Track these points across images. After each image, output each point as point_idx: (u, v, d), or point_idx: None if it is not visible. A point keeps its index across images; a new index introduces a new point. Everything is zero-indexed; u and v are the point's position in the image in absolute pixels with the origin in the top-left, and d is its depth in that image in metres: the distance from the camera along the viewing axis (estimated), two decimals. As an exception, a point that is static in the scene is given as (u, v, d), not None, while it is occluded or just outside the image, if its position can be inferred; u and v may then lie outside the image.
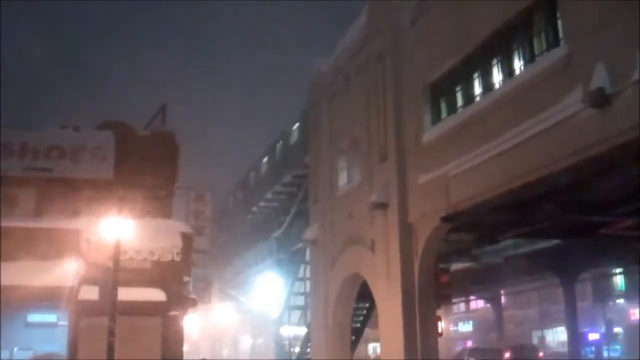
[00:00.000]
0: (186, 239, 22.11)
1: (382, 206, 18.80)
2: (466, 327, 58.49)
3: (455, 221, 16.87)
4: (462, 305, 53.96)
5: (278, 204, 35.91)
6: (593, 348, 41.23)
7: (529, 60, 14.45)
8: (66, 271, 20.59)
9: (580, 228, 18.70)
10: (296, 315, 28.52)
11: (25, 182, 22.94)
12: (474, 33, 15.81)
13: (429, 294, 17.93)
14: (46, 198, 23.27)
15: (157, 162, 24.30)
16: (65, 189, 23.38)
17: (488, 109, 15.37)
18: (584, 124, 12.14)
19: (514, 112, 14.33)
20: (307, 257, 27.58)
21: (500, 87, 15.26)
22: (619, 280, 45.74)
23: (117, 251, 17.17)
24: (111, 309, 16.73)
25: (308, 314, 26.98)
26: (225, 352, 48.83)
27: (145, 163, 24.03)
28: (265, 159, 38.40)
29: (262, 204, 37.21)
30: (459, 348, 47.78)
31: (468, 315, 57.88)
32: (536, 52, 14.34)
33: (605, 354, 41.21)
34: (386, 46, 19.44)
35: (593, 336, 40.90)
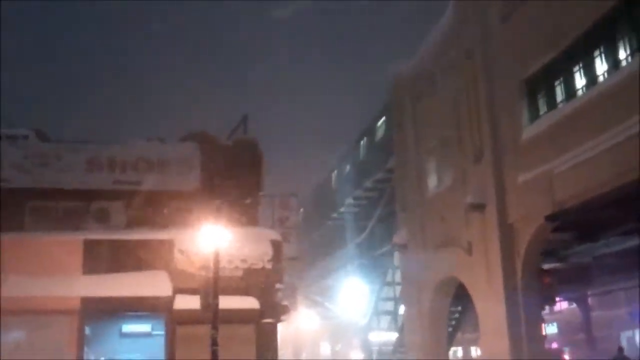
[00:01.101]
0: (276, 246, 22.11)
1: (479, 207, 18.37)
2: (551, 329, 56.74)
3: (560, 220, 16.29)
4: (547, 307, 52.45)
5: (359, 209, 35.63)
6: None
7: (637, 49, 13.82)
8: (161, 281, 20.87)
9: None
10: (385, 320, 28.22)
11: (115, 195, 23.36)
12: (573, 25, 15.32)
13: (533, 295, 17.40)
14: (135, 210, 23.68)
15: (242, 171, 24.47)
16: (154, 200, 23.74)
17: (593, 102, 14.83)
18: None
19: (623, 104, 13.76)
20: (395, 261, 27.27)
21: (606, 79, 14.70)
22: None
23: (217, 260, 17.20)
24: (213, 317, 16.76)
25: (398, 318, 26.65)
26: (303, 356, 48.99)
27: (229, 172, 24.22)
28: (345, 164, 38.23)
29: (342, 209, 37.03)
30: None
31: (553, 316, 56.25)
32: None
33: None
34: (475, 44, 19.05)
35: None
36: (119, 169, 23.64)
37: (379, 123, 31.69)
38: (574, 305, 47.30)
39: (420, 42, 23.00)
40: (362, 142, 35.11)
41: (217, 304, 16.84)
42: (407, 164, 23.86)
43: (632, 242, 25.36)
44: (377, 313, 28.19)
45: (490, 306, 18.01)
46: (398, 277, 26.99)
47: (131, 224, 23.09)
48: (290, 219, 25.82)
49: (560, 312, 54.62)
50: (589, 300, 47.19)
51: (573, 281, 36.16)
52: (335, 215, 38.31)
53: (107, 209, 23.65)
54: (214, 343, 16.53)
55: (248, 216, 23.78)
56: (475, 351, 36.30)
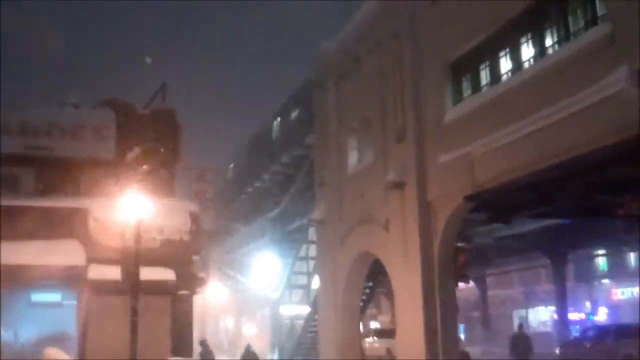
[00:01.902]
0: (195, 218, 21.95)
1: (400, 185, 18.78)
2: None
3: (478, 200, 16.87)
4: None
5: (273, 184, 35.75)
6: (578, 327, 41.76)
7: (563, 38, 14.41)
8: (73, 250, 20.35)
9: (597, 208, 18.76)
10: (297, 294, 28.51)
11: (26, 161, 22.54)
12: (501, 10, 15.72)
13: (448, 273, 18.00)
14: (47, 177, 22.93)
15: (159, 140, 24.05)
16: (66, 168, 23.05)
17: (517, 88, 15.35)
18: (628, 103, 12.14)
19: (547, 91, 14.31)
20: (310, 236, 27.55)
21: (531, 66, 15.23)
22: (600, 262, 46.37)
23: (139, 230, 16.89)
24: (133, 287, 16.50)
25: (311, 293, 27.00)
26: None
27: (146, 142, 23.75)
28: (259, 139, 38.19)
29: (257, 184, 37.02)
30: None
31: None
32: (571, 30, 14.31)
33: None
34: (403, 25, 19.32)
35: (578, 315, 41.46)
36: (31, 135, 22.83)
37: (298, 100, 31.79)
38: (471, 283, 49.18)
39: (347, 20, 23.12)
40: (278, 119, 35.15)
41: (137, 274, 16.59)
42: (327, 141, 24.06)
43: (531, 226, 26.65)
44: (290, 287, 28.44)
45: (407, 282, 18.51)
46: (312, 251, 27.31)
47: (42, 192, 22.37)
48: (207, 192, 25.74)
49: (458, 290, 56.62)
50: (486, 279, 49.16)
51: (475, 261, 37.65)
52: (250, 189, 38.27)
53: (17, 175, 22.82)
54: (134, 313, 16.29)
55: (165, 187, 23.46)
56: (373, 325, 37.29)
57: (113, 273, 20.08)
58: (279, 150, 32.88)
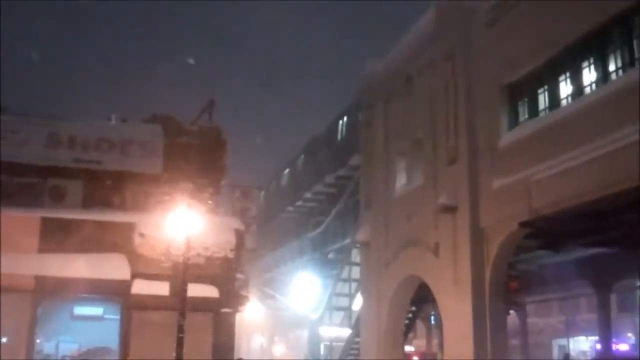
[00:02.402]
0: (239, 235, 21.88)
1: (451, 209, 18.44)
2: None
3: (533, 227, 16.47)
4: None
5: (316, 204, 35.58)
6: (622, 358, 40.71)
7: (628, 63, 14.05)
8: (118, 265, 20.37)
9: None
10: (338, 316, 28.22)
11: (74, 173, 22.71)
12: (562, 35, 15.43)
13: (499, 300, 17.56)
14: (93, 191, 23.05)
15: (205, 157, 24.10)
16: (113, 182, 23.17)
17: (578, 113, 14.99)
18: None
19: (609, 117, 13.96)
20: (353, 258, 27.26)
21: (594, 91, 14.87)
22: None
23: (188, 246, 16.81)
24: (181, 304, 16.42)
25: (352, 315, 26.67)
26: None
27: (193, 158, 23.80)
28: (302, 158, 38.07)
29: (299, 203, 36.89)
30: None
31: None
32: (636, 55, 13.94)
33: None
34: (457, 46, 19.08)
35: (622, 347, 40.40)
36: (80, 147, 23.05)
37: (343, 120, 31.66)
38: (511, 311, 48.32)
39: (394, 41, 22.94)
40: (322, 139, 35.02)
41: (185, 291, 16.47)
42: (374, 162, 23.83)
43: (575, 254, 26.01)
44: (330, 308, 28.16)
45: (456, 308, 18.09)
46: (354, 273, 27.00)
47: (88, 204, 22.49)
48: (250, 210, 25.65)
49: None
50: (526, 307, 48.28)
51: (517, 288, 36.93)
52: (291, 208, 38.14)
53: (64, 187, 23.01)
54: (181, 330, 16.19)
55: (209, 204, 23.44)
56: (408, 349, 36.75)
57: (157, 288, 20.16)
58: (323, 170, 32.69)
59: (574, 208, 15.08)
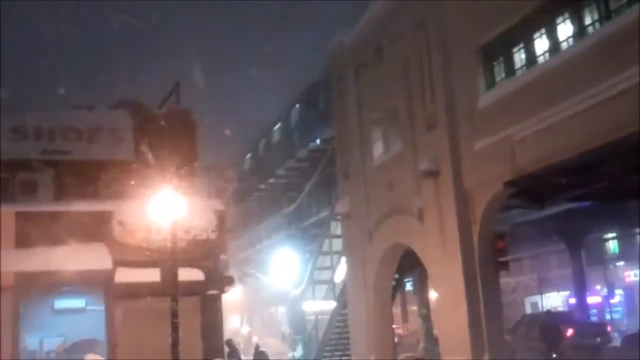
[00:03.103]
0: (220, 216, 21.65)
1: (434, 174, 18.45)
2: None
3: (518, 185, 16.56)
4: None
5: (288, 180, 35.39)
6: (595, 311, 41.55)
7: (604, 16, 14.11)
8: (99, 254, 20.01)
9: (629, 190, 18.43)
10: (321, 289, 28.15)
11: (43, 165, 22.17)
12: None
13: (489, 261, 17.67)
14: (65, 181, 22.54)
15: (176, 140, 23.69)
16: (84, 171, 22.67)
17: (556, 69, 15.05)
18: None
19: (588, 71, 14.01)
20: (332, 230, 27.19)
21: (571, 46, 14.93)
22: (611, 245, 46.23)
23: (175, 230, 16.54)
24: (172, 289, 16.16)
25: (335, 287, 26.65)
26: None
27: (164, 142, 23.39)
28: (275, 130, 37.66)
29: (272, 180, 36.64)
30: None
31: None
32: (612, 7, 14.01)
33: (607, 317, 41.68)
34: (428, 12, 18.95)
35: (594, 299, 41.19)
36: (46, 138, 22.47)
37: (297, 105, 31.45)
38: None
39: (363, 10, 22.71)
40: (294, 111, 34.71)
41: (176, 275, 16.25)
42: (349, 133, 23.71)
43: (548, 211, 26.34)
44: (313, 282, 28.09)
45: (446, 273, 18.18)
46: (335, 246, 26.93)
47: (60, 196, 22.00)
48: (227, 190, 25.31)
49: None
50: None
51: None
52: (263, 186, 37.89)
53: (34, 180, 22.42)
54: (175, 315, 15.97)
55: (184, 187, 23.08)
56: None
57: (141, 275, 19.82)
58: (294, 145, 32.46)
59: (557, 164, 15.17)
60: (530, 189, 17.47)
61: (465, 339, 17.18)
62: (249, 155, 42.22)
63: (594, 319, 40.09)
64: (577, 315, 33.33)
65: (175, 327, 15.95)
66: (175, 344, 15.86)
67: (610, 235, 43.14)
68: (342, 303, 25.57)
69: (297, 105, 34.05)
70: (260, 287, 36.70)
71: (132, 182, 21.51)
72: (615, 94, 13.26)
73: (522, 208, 20.34)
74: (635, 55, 12.75)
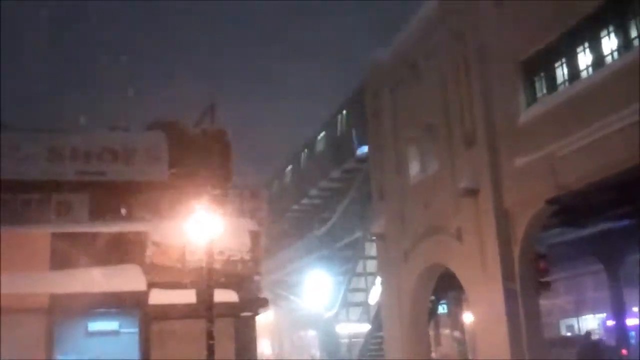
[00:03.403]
0: (254, 236, 21.43)
1: (473, 192, 18.04)
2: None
3: (560, 203, 16.11)
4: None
5: (322, 201, 35.08)
6: (633, 333, 40.55)
7: (651, 29, 13.72)
8: (133, 276, 19.86)
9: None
10: (355, 312, 27.74)
11: (78, 186, 22.17)
12: (577, 5, 15.07)
13: (530, 281, 17.18)
14: (100, 203, 22.51)
15: (211, 161, 23.62)
16: (120, 192, 22.64)
17: (599, 84, 14.63)
18: None
19: (633, 86, 13.55)
20: (367, 251, 26.84)
21: (615, 60, 14.52)
22: (649, 266, 45.22)
23: (211, 250, 16.34)
24: (208, 311, 15.92)
25: (370, 309, 26.24)
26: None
27: (199, 163, 23.33)
28: (304, 154, 37.56)
29: (305, 200, 36.38)
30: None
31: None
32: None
33: (646, 340, 40.66)
34: (466, 26, 18.67)
35: (632, 322, 40.18)
36: (82, 159, 22.47)
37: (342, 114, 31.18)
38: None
39: (396, 31, 22.52)
40: (324, 132, 34.54)
41: (212, 296, 16.02)
42: (384, 152, 23.40)
43: (585, 232, 25.74)
44: (347, 304, 27.68)
45: (486, 293, 17.70)
46: (369, 267, 26.57)
47: (95, 217, 21.96)
48: (260, 211, 25.13)
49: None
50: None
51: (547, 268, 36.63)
52: (296, 206, 37.64)
53: (69, 201, 22.43)
54: (210, 337, 15.75)
55: (220, 207, 22.93)
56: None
57: (176, 297, 19.63)
58: (327, 165, 32.20)
59: (600, 181, 14.73)
60: (571, 208, 17.00)
61: (507, 361, 16.69)
62: (284, 174, 42.03)
63: (632, 342, 39.14)
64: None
65: (211, 349, 15.68)
66: (211, 366, 15.59)
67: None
68: (377, 325, 25.17)
69: (330, 123, 33.73)
70: (292, 309, 36.30)
71: (167, 203, 21.51)
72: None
73: (562, 227, 19.76)
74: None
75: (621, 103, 13.76)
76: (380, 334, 24.71)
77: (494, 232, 17.47)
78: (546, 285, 17.71)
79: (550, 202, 16.10)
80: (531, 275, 17.25)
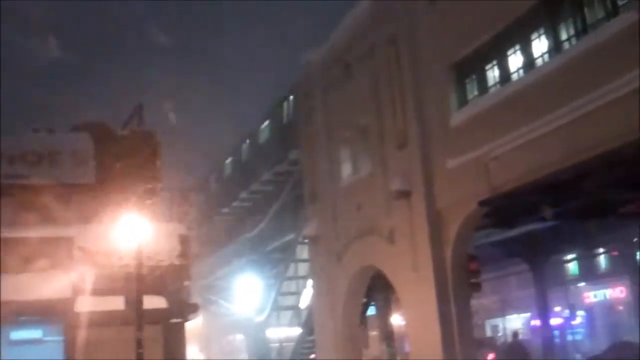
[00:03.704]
0: (184, 241, 20.99)
1: (405, 194, 18.04)
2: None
3: (493, 205, 16.25)
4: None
5: (253, 204, 34.68)
6: (557, 332, 41.56)
7: (581, 31, 13.93)
8: (58, 282, 19.21)
9: (601, 207, 18.24)
10: (286, 315, 27.46)
11: (2, 190, 21.29)
12: (508, 8, 15.21)
13: (462, 282, 17.29)
14: (25, 206, 21.68)
15: (139, 163, 23.03)
16: (45, 196, 21.83)
17: (531, 86, 14.80)
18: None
19: (565, 87, 13.78)
20: (299, 254, 26.61)
21: (546, 62, 14.71)
22: (571, 266, 46.54)
23: (140, 255, 15.83)
24: (137, 318, 15.41)
25: (301, 313, 26.00)
26: None
27: (127, 165, 22.73)
28: (235, 158, 37.07)
29: (235, 204, 35.88)
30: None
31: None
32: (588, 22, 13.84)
33: (569, 337, 41.76)
34: (400, 28, 18.68)
35: (556, 321, 41.20)
36: (6, 163, 21.65)
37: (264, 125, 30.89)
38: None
39: (332, 29, 22.37)
40: (257, 134, 34.12)
41: (141, 303, 15.53)
42: (316, 154, 23.22)
43: (511, 233, 26.18)
44: (277, 308, 27.40)
45: (418, 294, 17.71)
46: (301, 271, 26.35)
47: (20, 221, 21.10)
48: (190, 214, 24.61)
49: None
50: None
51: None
52: (226, 210, 37.11)
53: (-9, 204, 21.49)
54: (139, 345, 15.20)
55: (147, 211, 22.36)
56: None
57: (103, 304, 19.00)
58: (259, 168, 31.81)
59: (533, 182, 14.87)
60: (503, 209, 17.19)
61: (439, 361, 16.75)
62: (213, 179, 41.38)
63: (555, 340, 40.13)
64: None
65: (140, 358, 15.18)
66: (141, 375, 15.09)
67: (570, 256, 43.55)
68: (309, 329, 24.95)
69: (264, 124, 33.38)
70: (222, 314, 35.78)
71: (94, 207, 20.83)
72: (593, 109, 13.04)
73: (493, 228, 19.99)
74: (613, 71, 12.61)
75: (553, 105, 13.94)
76: (312, 337, 24.51)
77: (426, 234, 17.50)
78: (477, 287, 17.86)
79: (482, 203, 16.20)
80: (463, 277, 17.34)
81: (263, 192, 32.83)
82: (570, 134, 13.59)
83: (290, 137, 27.24)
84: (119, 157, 22.54)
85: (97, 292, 19.08)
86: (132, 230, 15.75)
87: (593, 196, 16.31)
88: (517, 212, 17.80)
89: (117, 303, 17.92)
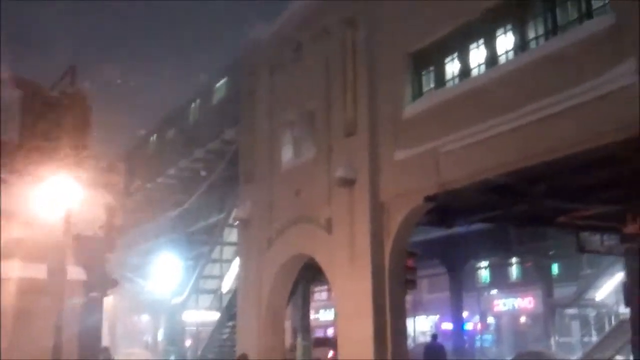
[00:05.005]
0: (109, 211, 19.95)
1: (348, 182, 17.49)
2: (328, 315, 57.81)
3: (440, 201, 15.89)
4: (324, 294, 52.47)
5: (180, 181, 33.44)
6: (466, 337, 42.08)
7: (550, 31, 13.69)
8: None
9: (541, 215, 18.22)
10: (206, 299, 26.52)
11: None
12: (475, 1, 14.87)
13: (399, 278, 16.89)
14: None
15: (67, 126, 21.82)
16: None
17: (492, 83, 14.44)
18: (632, 98, 11.46)
19: (526, 88, 13.51)
20: (226, 237, 25.75)
21: (511, 60, 14.36)
22: (485, 273, 47.37)
23: (68, 221, 14.76)
24: (59, 289, 14.42)
25: (223, 297, 25.17)
26: None
27: (54, 127, 21.49)
28: (169, 128, 35.61)
29: (160, 179, 34.52)
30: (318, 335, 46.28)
31: (330, 303, 57.31)
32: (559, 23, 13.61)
33: (477, 343, 42.42)
34: (359, 10, 18.08)
35: (466, 326, 41.73)
36: None
37: (217, 86, 29.71)
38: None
39: (283, 7, 21.64)
40: (193, 106, 32.90)
41: (64, 272, 14.48)
42: (257, 134, 22.43)
43: (432, 235, 26.16)
44: (197, 291, 26.43)
45: (353, 287, 17.20)
46: (227, 254, 25.50)
47: None
48: (117, 185, 23.43)
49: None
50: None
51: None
52: (149, 185, 35.69)
53: None
54: (60, 318, 14.16)
55: (73, 175, 21.17)
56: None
57: (22, 272, 17.82)
58: (190, 144, 30.66)
59: (482, 182, 14.59)
60: (445, 207, 16.89)
61: (370, 357, 16.29)
62: (140, 149, 39.71)
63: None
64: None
65: (59, 331, 14.16)
66: (58, 349, 14.05)
67: (484, 263, 44.31)
68: (229, 314, 24.17)
69: (197, 101, 32.26)
70: (135, 292, 34.50)
71: (18, 167, 19.53)
72: (552, 114, 12.79)
73: (429, 226, 19.67)
74: (578, 76, 12.40)
75: (513, 104, 13.62)
76: (232, 323, 23.76)
77: (366, 225, 16.98)
78: (412, 284, 17.52)
79: (429, 199, 15.78)
80: (400, 272, 16.95)
81: (192, 170, 31.73)
82: (526, 136, 13.30)
83: (226, 115, 26.32)
84: (46, 117, 21.31)
85: (21, 258, 17.89)
86: (55, 195, 14.55)
87: (536, 203, 16.19)
88: (459, 211, 17.53)
89: (37, 271, 16.78)
